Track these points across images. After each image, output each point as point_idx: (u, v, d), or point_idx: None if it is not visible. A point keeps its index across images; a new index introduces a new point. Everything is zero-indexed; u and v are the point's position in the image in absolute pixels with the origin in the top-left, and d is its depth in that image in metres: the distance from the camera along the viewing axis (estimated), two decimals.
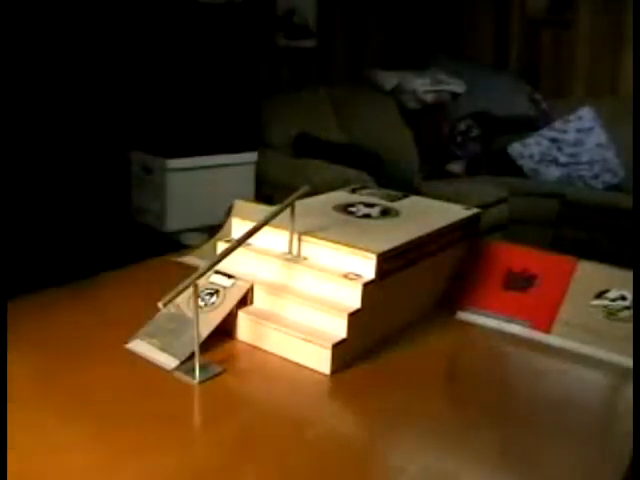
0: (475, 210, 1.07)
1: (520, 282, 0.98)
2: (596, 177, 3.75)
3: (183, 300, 0.83)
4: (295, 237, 0.88)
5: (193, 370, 0.76)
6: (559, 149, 3.84)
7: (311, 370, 0.79)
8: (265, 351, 0.83)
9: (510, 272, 1.00)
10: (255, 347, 0.84)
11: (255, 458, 0.64)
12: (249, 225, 0.86)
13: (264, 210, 0.90)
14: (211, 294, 0.86)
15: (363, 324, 0.82)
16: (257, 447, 0.66)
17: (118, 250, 2.49)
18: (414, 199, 1.11)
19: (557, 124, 3.91)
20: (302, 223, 0.89)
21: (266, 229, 0.87)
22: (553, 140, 3.87)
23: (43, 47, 2.62)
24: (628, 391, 0.80)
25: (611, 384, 0.85)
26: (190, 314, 0.82)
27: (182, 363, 0.78)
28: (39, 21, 2.59)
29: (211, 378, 0.76)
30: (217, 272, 0.88)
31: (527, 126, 3.98)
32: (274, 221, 0.87)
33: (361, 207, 1.02)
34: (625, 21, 4.02)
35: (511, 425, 0.73)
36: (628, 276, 0.93)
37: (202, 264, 0.79)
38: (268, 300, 0.86)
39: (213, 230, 1.17)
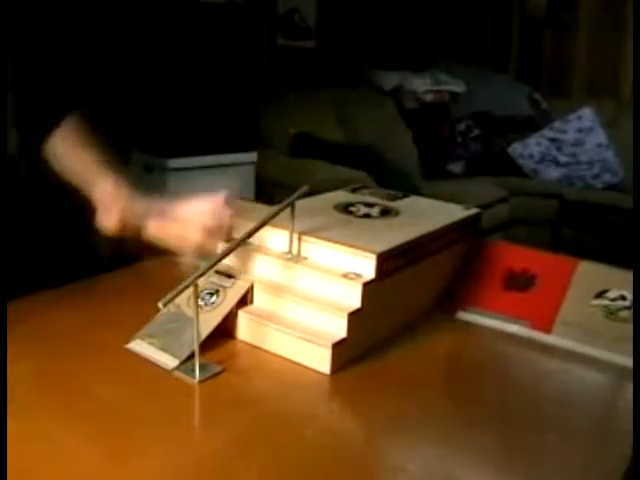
0: (475, 210, 1.07)
1: (520, 282, 0.98)
2: (596, 177, 3.75)
3: (183, 300, 0.83)
4: (295, 237, 0.88)
5: (193, 370, 0.76)
6: (559, 149, 3.84)
7: (311, 370, 0.79)
8: (265, 351, 0.83)
9: (510, 272, 1.00)
10: (255, 347, 0.84)
11: (255, 457, 0.64)
12: (249, 225, 0.86)
13: (264, 210, 0.90)
14: (211, 294, 0.86)
15: (363, 324, 0.82)
16: (257, 446, 0.66)
17: (118, 250, 2.48)
18: (414, 199, 1.11)
19: (557, 124, 3.90)
20: (302, 223, 0.89)
21: (266, 229, 0.87)
22: (553, 140, 3.87)
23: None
24: (628, 391, 0.80)
25: (611, 384, 0.85)
26: (190, 314, 0.82)
27: (182, 363, 0.78)
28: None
29: (211, 378, 0.76)
30: (217, 272, 0.88)
31: (527, 126, 3.98)
32: (274, 221, 0.87)
33: (361, 207, 1.02)
34: (625, 21, 4.02)
35: (511, 424, 0.73)
36: (628, 276, 0.93)
37: (202, 264, 0.79)
38: (268, 300, 0.86)
39: None
